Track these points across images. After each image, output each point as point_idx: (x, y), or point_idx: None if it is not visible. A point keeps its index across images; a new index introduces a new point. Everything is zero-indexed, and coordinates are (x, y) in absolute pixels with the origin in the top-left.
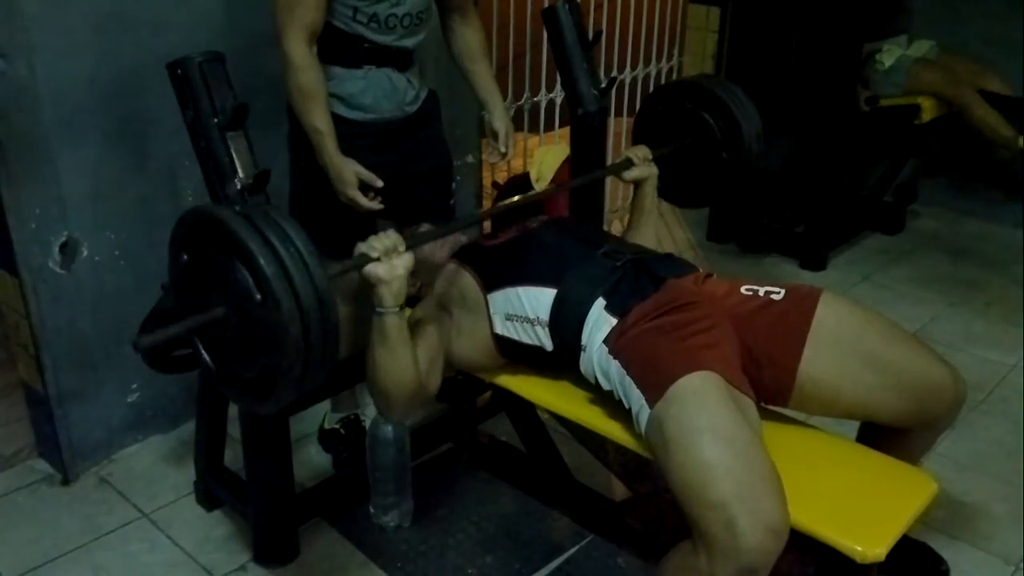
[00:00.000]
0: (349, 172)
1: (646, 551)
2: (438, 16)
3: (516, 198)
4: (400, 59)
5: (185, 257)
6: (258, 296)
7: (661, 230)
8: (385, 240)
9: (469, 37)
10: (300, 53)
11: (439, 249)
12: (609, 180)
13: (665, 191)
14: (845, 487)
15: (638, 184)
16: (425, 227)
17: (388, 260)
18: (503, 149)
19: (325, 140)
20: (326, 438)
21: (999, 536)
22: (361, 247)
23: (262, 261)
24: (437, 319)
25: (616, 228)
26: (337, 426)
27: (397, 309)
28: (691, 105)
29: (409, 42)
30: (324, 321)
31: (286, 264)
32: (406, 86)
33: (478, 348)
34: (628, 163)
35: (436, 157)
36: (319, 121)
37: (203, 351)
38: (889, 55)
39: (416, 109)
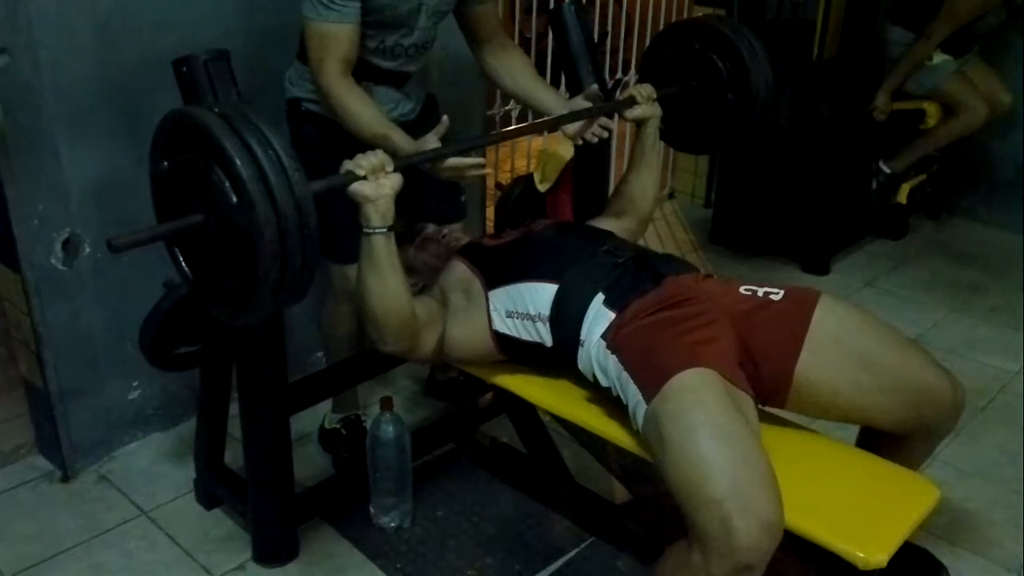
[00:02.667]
0: (429, 143)
1: (646, 554)
2: (453, 16)
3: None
4: (398, 79)
5: (165, 164)
6: (234, 198)
7: (655, 177)
8: (372, 158)
9: (511, 62)
10: (338, 85)
11: (440, 255)
12: (612, 184)
13: (670, 135)
14: (847, 493)
15: (640, 124)
16: (430, 227)
17: (375, 178)
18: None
19: (394, 138)
20: (326, 438)
21: (1001, 543)
22: (347, 165)
23: (238, 162)
24: (438, 300)
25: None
26: (338, 426)
27: (384, 229)
28: (699, 46)
29: (410, 68)
30: (302, 227)
31: (263, 166)
32: (402, 100)
33: (476, 339)
34: (632, 101)
35: None
36: (379, 128)
37: (181, 260)
38: (939, 54)
39: (415, 116)
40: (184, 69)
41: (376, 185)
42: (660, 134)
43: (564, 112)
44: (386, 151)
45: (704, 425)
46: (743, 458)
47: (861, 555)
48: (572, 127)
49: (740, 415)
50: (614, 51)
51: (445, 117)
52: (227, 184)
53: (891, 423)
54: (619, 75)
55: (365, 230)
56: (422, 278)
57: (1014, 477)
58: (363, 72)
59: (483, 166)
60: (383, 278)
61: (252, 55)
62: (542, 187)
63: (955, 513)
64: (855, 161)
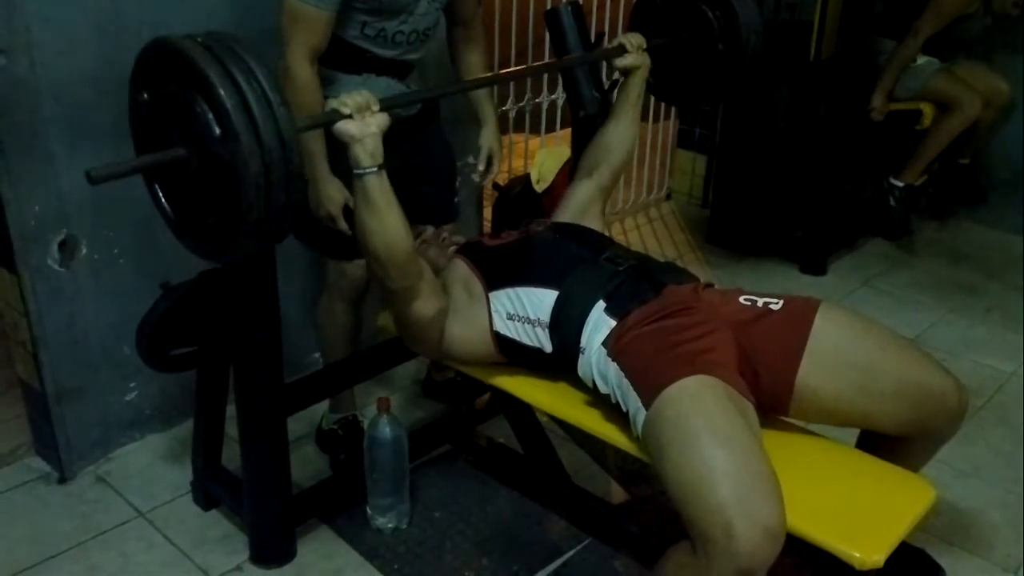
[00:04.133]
0: (336, 191)
1: (644, 555)
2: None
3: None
4: (400, 69)
5: (145, 95)
6: (218, 130)
7: (635, 130)
8: (358, 97)
9: (471, 55)
10: (302, 71)
11: (441, 255)
12: None
13: (660, 89)
14: (844, 493)
15: (628, 73)
16: (429, 230)
17: (361, 117)
18: (481, 167)
19: (316, 158)
20: (324, 439)
21: (998, 543)
22: (332, 103)
23: (221, 92)
24: (441, 292)
25: (616, 232)
26: (335, 427)
27: (375, 168)
28: None
29: (412, 56)
30: (286, 162)
31: (247, 98)
32: (399, 52)
33: (476, 338)
34: (621, 49)
35: (436, 157)
36: (311, 140)
37: (162, 197)
38: (922, 56)
39: (414, 112)
40: None
41: (362, 123)
42: (650, 88)
43: (489, 136)
44: (305, 155)
45: (706, 430)
46: (746, 463)
47: (857, 555)
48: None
49: (742, 420)
50: None
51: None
52: (210, 116)
53: (894, 427)
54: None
55: (356, 171)
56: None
57: (1011, 477)
58: (364, 63)
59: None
60: (380, 216)
61: None
62: (539, 187)
63: (952, 513)
64: (852, 162)
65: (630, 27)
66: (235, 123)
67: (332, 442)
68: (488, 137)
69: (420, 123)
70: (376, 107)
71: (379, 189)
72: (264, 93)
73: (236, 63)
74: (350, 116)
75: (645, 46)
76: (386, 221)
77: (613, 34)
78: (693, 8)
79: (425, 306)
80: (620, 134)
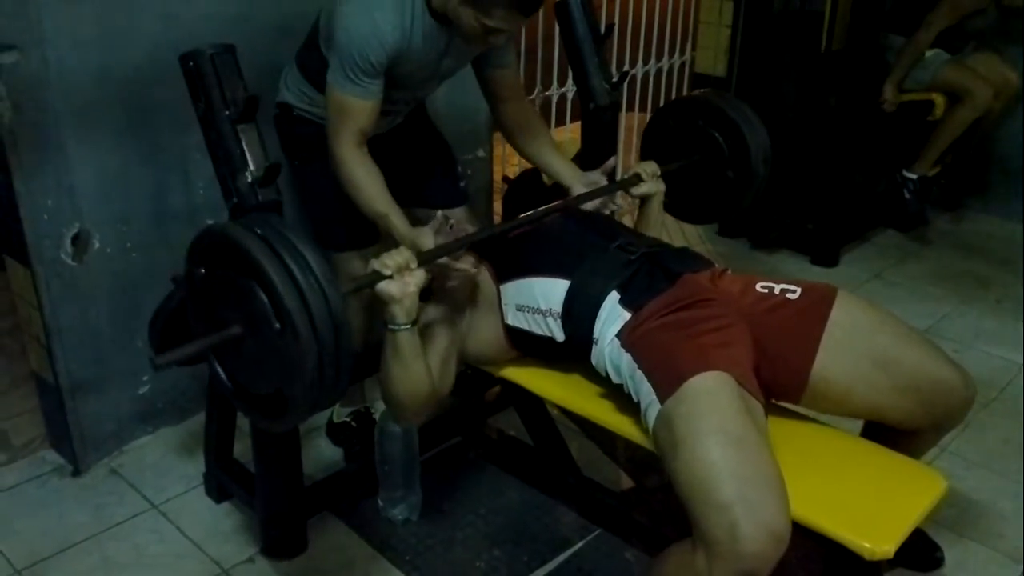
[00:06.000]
0: (426, 239)
1: (654, 546)
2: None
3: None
4: (389, 112)
5: (202, 271)
6: (277, 325)
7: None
8: (397, 257)
9: (533, 124)
10: (351, 154)
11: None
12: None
13: (671, 206)
14: (854, 484)
15: (645, 199)
16: (440, 216)
17: (400, 277)
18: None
19: (392, 221)
20: (336, 432)
21: (1007, 534)
22: (374, 264)
23: (282, 291)
24: (450, 320)
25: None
26: (348, 419)
27: (409, 325)
28: (702, 123)
29: (406, 110)
30: (338, 349)
31: (305, 294)
32: (390, 122)
33: (491, 344)
34: (637, 178)
35: (430, 145)
36: (379, 206)
37: (219, 368)
38: (931, 49)
39: (403, 118)
40: (191, 64)
41: (402, 284)
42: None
43: (580, 188)
44: (381, 230)
45: (718, 430)
46: (754, 465)
47: (868, 546)
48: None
49: (752, 421)
50: (621, 43)
51: (440, 213)
52: (270, 310)
53: (902, 419)
54: (626, 67)
55: (390, 327)
56: (430, 270)
57: (1021, 468)
58: None
59: (476, 266)
60: (408, 369)
61: (258, 49)
62: (548, 180)
63: (962, 504)
64: (863, 153)
65: (642, 149)
66: (296, 322)
67: (346, 435)
68: (586, 176)
69: (409, 123)
70: (414, 265)
71: (410, 344)
72: (319, 284)
73: (292, 255)
74: (391, 276)
75: (659, 173)
76: (411, 371)
77: (622, 27)
78: (705, 134)
79: (444, 391)
80: None
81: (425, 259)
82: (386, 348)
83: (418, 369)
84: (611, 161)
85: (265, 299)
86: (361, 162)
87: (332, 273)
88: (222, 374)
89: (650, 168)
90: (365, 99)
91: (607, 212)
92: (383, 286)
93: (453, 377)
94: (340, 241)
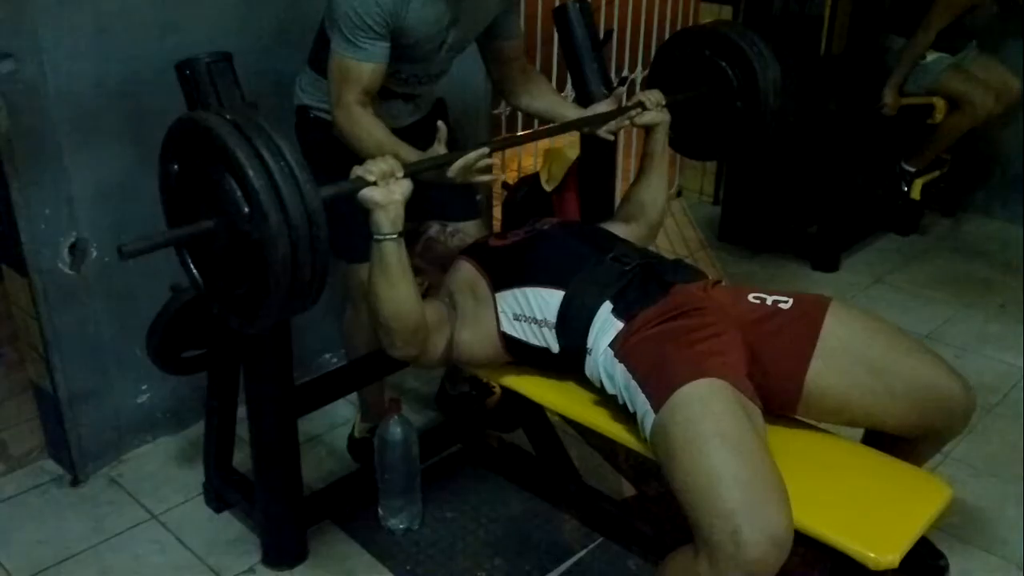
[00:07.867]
0: (436, 151)
1: (656, 554)
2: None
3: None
4: (408, 97)
5: (175, 167)
6: (246, 209)
7: (665, 183)
8: (382, 164)
9: (536, 81)
10: (355, 111)
11: (445, 256)
12: (618, 183)
13: (678, 142)
14: (857, 491)
15: (650, 130)
16: (434, 229)
17: (385, 184)
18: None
19: (400, 154)
20: (356, 447)
21: (1012, 540)
22: (357, 170)
23: (251, 173)
24: (446, 304)
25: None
26: (368, 435)
27: (395, 236)
28: (709, 53)
29: (422, 91)
30: (313, 239)
31: (275, 177)
32: (413, 111)
33: (484, 341)
34: (641, 106)
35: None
36: (387, 148)
37: (191, 264)
38: (932, 53)
39: (422, 116)
40: (187, 72)
41: (386, 191)
42: (670, 142)
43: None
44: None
45: (715, 435)
46: (755, 470)
47: (872, 555)
48: (607, 126)
49: (750, 425)
50: (620, 48)
51: (441, 123)
52: (239, 194)
53: (900, 427)
54: (625, 72)
55: (375, 236)
56: (428, 278)
57: None
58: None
59: (488, 155)
60: (393, 284)
61: (256, 56)
62: (548, 186)
63: (967, 511)
64: (864, 157)
65: (649, 82)
66: (264, 204)
67: (367, 450)
68: (592, 107)
69: (428, 125)
70: (400, 173)
71: (396, 256)
72: (291, 170)
73: (263, 141)
74: (375, 183)
75: (664, 103)
76: (398, 289)
77: (621, 32)
78: (712, 64)
79: (434, 353)
80: (652, 190)
81: (411, 169)
82: (372, 263)
83: (406, 288)
84: (619, 89)
85: (233, 182)
86: (361, 116)
87: (305, 160)
88: (195, 272)
89: (654, 96)
90: (365, 61)
91: (611, 138)
92: (367, 192)
93: (441, 350)
94: (359, 252)
